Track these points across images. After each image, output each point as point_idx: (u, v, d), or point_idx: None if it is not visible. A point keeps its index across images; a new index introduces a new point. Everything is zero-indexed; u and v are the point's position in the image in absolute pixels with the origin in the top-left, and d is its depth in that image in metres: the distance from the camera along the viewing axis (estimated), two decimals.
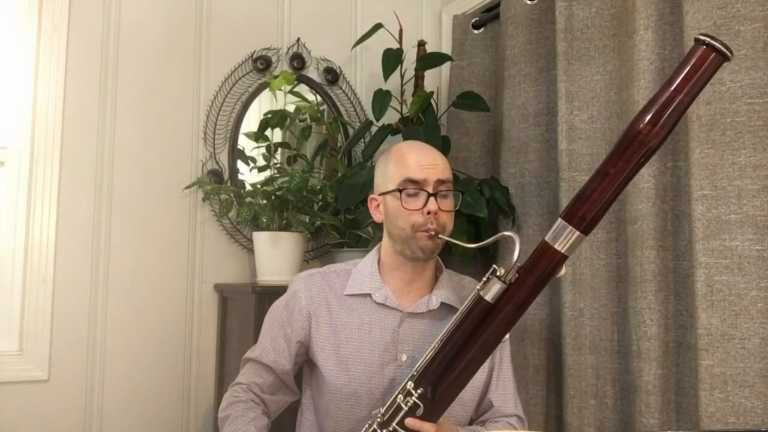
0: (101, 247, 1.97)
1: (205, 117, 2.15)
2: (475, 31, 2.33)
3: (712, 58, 0.93)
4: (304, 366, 1.42)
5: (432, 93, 2.13)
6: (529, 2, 2.05)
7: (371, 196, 1.37)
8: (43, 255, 1.88)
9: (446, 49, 2.41)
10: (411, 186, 1.27)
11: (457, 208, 1.33)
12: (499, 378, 1.38)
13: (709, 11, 1.45)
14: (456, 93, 2.18)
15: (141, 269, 2.02)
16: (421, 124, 2.06)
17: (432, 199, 1.25)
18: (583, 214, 1.00)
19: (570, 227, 1.01)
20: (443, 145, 2.04)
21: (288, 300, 1.39)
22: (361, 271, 1.37)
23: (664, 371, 1.53)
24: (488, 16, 2.29)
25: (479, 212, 1.86)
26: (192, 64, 2.14)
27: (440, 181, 1.28)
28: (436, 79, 2.42)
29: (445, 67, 2.38)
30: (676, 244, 1.57)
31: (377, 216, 1.36)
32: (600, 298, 1.73)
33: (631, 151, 0.96)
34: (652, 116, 0.95)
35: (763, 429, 1.33)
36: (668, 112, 0.94)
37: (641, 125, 0.95)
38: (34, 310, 1.87)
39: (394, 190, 1.28)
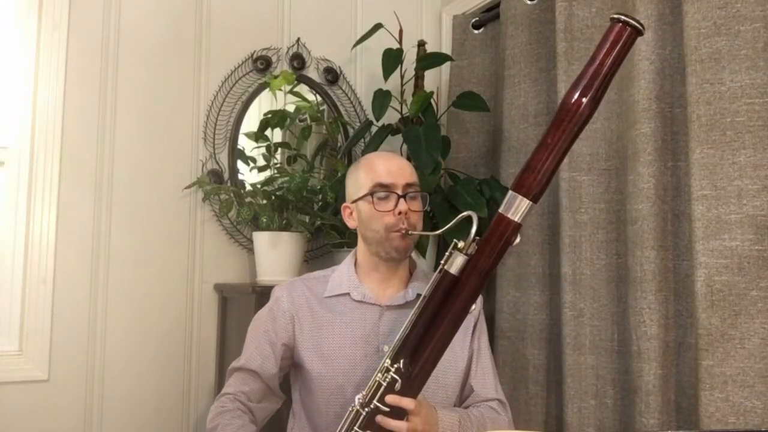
0: (101, 247, 1.97)
1: (205, 117, 2.15)
2: (475, 31, 2.33)
3: (628, 33, 1.03)
4: (291, 370, 1.46)
5: (432, 93, 2.13)
6: (529, 2, 2.05)
7: (344, 205, 1.46)
8: (43, 255, 1.88)
9: (446, 49, 2.41)
10: (381, 189, 1.35)
11: (426, 209, 1.43)
12: (478, 364, 1.44)
13: (709, 11, 1.45)
14: (456, 93, 2.18)
15: (141, 269, 2.02)
16: (421, 124, 2.06)
17: (402, 200, 1.35)
18: (530, 183, 1.07)
19: (520, 197, 1.07)
20: (443, 145, 2.03)
21: (271, 306, 1.45)
22: (339, 275, 1.45)
23: (664, 371, 1.53)
24: (488, 16, 2.29)
25: (479, 212, 1.86)
26: (192, 64, 2.14)
27: (408, 185, 1.38)
28: (436, 79, 2.42)
29: (445, 67, 2.38)
30: (676, 244, 1.57)
31: (351, 223, 1.44)
32: (600, 298, 1.73)
33: (566, 123, 1.05)
34: (581, 90, 1.04)
35: (763, 429, 1.33)
36: (595, 84, 1.04)
37: (572, 99, 1.05)
38: (34, 310, 1.87)
39: (366, 195, 1.37)
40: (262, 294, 1.83)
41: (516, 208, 1.08)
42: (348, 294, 1.41)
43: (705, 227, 1.42)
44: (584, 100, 1.04)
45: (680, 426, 1.52)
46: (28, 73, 1.91)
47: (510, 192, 1.09)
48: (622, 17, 1.03)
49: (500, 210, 1.09)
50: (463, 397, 1.43)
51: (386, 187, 1.36)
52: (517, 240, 1.10)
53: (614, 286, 1.72)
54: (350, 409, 1.17)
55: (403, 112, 2.17)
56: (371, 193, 1.36)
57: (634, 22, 1.02)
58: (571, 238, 1.78)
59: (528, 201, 1.07)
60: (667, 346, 1.55)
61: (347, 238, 2.05)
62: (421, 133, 1.96)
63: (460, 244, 1.13)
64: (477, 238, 1.13)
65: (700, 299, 1.41)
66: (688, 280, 1.52)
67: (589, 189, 1.78)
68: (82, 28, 1.98)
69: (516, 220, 1.08)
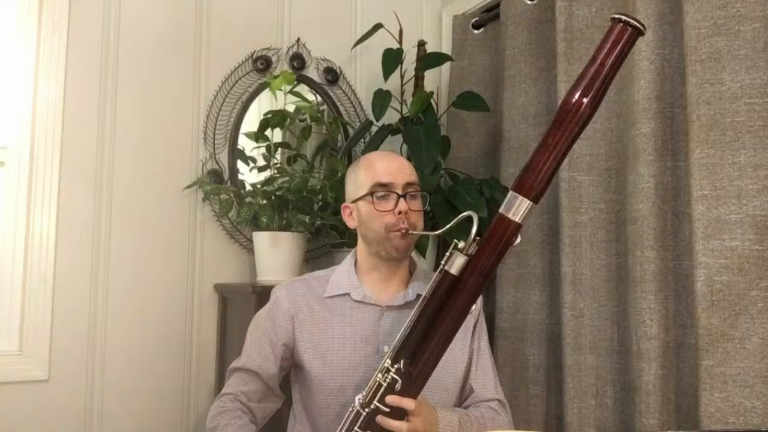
0: (101, 247, 1.97)
1: (205, 117, 2.15)
2: (475, 31, 2.33)
3: (629, 33, 1.02)
4: (291, 371, 1.46)
5: (432, 93, 2.13)
6: (529, 2, 2.05)
7: (344, 204, 1.45)
8: (43, 255, 1.88)
9: (446, 49, 2.41)
10: (381, 189, 1.35)
11: (426, 208, 1.43)
12: (478, 364, 1.43)
13: (709, 11, 1.45)
14: (456, 93, 2.18)
15: (141, 269, 2.02)
16: (421, 124, 2.06)
17: (402, 200, 1.34)
18: (531, 183, 1.06)
19: (521, 197, 1.07)
20: (443, 145, 2.03)
21: (271, 307, 1.44)
22: (339, 275, 1.44)
23: (664, 371, 1.53)
24: (488, 16, 2.29)
25: (479, 212, 1.86)
26: (192, 64, 2.14)
27: (408, 184, 1.37)
28: (436, 79, 2.42)
29: (445, 67, 2.38)
30: (676, 244, 1.57)
31: (351, 223, 1.44)
32: (600, 298, 1.74)
33: (566, 123, 1.05)
34: (581, 91, 1.04)
35: (763, 429, 1.33)
36: (595, 85, 1.03)
37: (573, 100, 1.04)
38: (34, 310, 1.87)
39: (366, 195, 1.37)
40: (262, 294, 1.83)
41: (516, 208, 1.07)
42: (348, 294, 1.40)
43: (705, 227, 1.42)
44: (585, 100, 1.03)
45: (680, 426, 1.52)
46: (28, 73, 1.91)
47: (510, 192, 1.08)
48: (623, 17, 1.02)
49: (500, 210, 1.09)
50: (463, 397, 1.43)
51: (386, 187, 1.36)
52: (518, 240, 1.10)
53: (614, 286, 1.72)
54: (350, 409, 1.17)
55: (403, 112, 2.17)
56: (371, 193, 1.36)
57: (635, 23, 1.02)
58: (571, 238, 1.78)
59: (528, 201, 1.07)
60: (667, 346, 1.55)
61: (347, 238, 2.05)
62: (421, 133, 1.96)
63: (461, 245, 1.13)
64: (477, 238, 1.12)
65: (700, 299, 1.41)
66: (688, 280, 1.52)
67: (589, 189, 1.78)
68: (82, 28, 1.98)
69: (516, 220, 1.07)
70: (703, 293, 1.41)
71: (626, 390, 1.67)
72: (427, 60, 2.19)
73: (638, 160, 1.60)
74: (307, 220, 2.07)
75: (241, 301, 2.00)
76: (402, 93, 2.20)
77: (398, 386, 1.13)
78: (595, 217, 1.77)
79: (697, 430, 1.41)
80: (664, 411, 1.53)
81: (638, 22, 1.02)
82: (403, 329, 1.16)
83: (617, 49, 1.03)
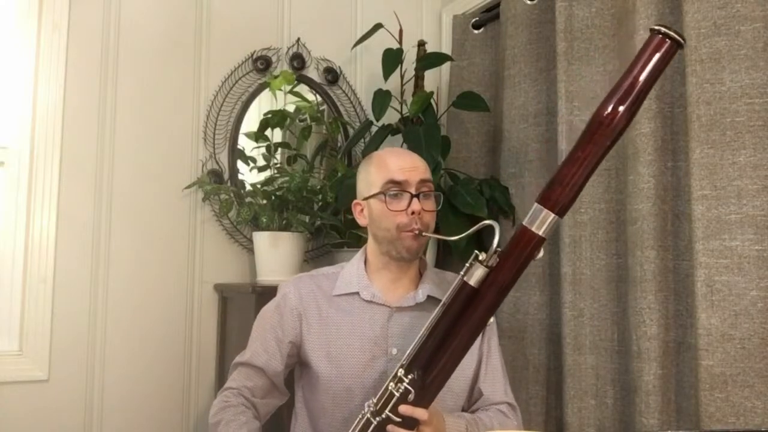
0: (101, 247, 1.97)
1: (205, 117, 2.15)
2: (475, 31, 2.33)
3: (667, 46, 0.99)
4: (296, 368, 1.43)
5: (432, 93, 2.13)
6: (529, 2, 2.05)
7: (355, 201, 1.41)
8: (43, 255, 1.88)
9: (446, 49, 2.41)
10: (394, 187, 1.31)
11: (439, 208, 1.39)
12: (487, 367, 1.40)
13: (709, 11, 1.45)
14: (456, 93, 2.18)
15: (141, 269, 2.02)
16: (421, 124, 2.06)
17: (415, 199, 1.30)
18: (557, 197, 1.03)
19: (546, 210, 1.04)
20: (443, 145, 2.03)
21: (278, 302, 1.41)
22: (348, 273, 1.41)
23: (664, 371, 1.53)
24: (488, 16, 2.29)
25: (479, 212, 1.86)
26: (192, 64, 2.14)
27: (422, 181, 1.33)
28: (436, 79, 2.42)
29: (445, 67, 2.38)
30: (676, 244, 1.57)
31: (362, 220, 1.40)
32: (600, 298, 1.73)
33: (598, 136, 1.02)
34: (615, 103, 1.01)
35: (763, 429, 1.33)
36: (630, 98, 1.00)
37: (606, 113, 1.01)
38: (34, 310, 1.87)
39: (378, 194, 1.33)
40: (262, 294, 1.83)
41: (541, 221, 1.04)
42: (357, 293, 1.37)
43: (705, 227, 1.42)
44: (619, 112, 1.00)
45: (680, 426, 1.52)
46: (28, 73, 1.91)
47: (535, 205, 1.05)
48: (662, 29, 0.99)
49: (524, 223, 1.06)
50: (473, 400, 1.40)
51: (399, 185, 1.31)
52: (540, 254, 1.07)
53: (614, 286, 1.72)
54: (360, 416, 1.15)
55: (403, 112, 2.17)
56: (383, 192, 1.32)
57: (674, 35, 0.98)
58: (571, 238, 1.78)
59: (554, 215, 1.03)
60: (667, 346, 1.55)
61: (347, 238, 2.05)
62: (421, 133, 1.96)
63: (482, 256, 1.09)
64: (498, 249, 1.09)
65: (700, 299, 1.41)
66: (688, 280, 1.52)
67: (589, 189, 1.78)
68: (82, 28, 1.98)
69: (540, 234, 1.04)
70: (703, 293, 1.41)
71: (626, 390, 1.67)
72: (427, 60, 2.19)
73: (638, 160, 1.60)
74: (307, 220, 2.07)
75: (241, 301, 2.00)
76: (402, 93, 2.20)
77: (411, 397, 1.11)
78: (595, 217, 1.77)
79: (697, 430, 1.41)
80: (664, 411, 1.53)
81: (678, 34, 0.98)
82: (417, 338, 1.14)
83: (654, 62, 0.99)
